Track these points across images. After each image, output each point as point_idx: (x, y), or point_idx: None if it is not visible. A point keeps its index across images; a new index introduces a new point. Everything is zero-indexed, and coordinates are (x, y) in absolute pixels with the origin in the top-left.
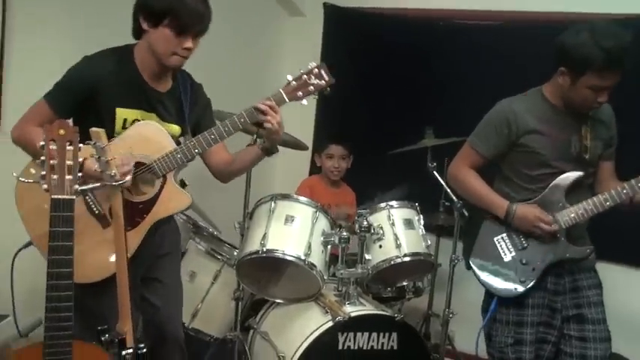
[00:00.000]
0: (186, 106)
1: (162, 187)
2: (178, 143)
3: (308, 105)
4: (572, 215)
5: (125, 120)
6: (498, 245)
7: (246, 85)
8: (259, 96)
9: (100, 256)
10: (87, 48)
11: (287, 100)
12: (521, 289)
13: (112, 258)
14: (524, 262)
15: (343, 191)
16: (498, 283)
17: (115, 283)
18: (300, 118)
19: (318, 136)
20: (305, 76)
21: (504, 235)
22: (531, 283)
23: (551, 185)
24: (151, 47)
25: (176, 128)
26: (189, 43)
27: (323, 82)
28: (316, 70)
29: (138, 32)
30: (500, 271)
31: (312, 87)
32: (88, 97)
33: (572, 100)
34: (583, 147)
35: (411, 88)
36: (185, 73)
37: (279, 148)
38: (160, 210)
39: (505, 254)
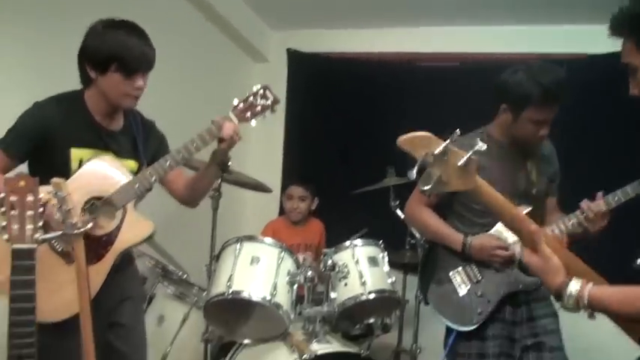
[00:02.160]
0: (140, 141)
1: (122, 218)
2: None
3: (276, 147)
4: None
5: (81, 160)
6: (454, 279)
7: None
8: None
9: (67, 293)
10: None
11: (236, 122)
12: (477, 320)
13: None
14: (479, 294)
15: (308, 227)
16: (455, 316)
17: (78, 326)
18: (268, 159)
19: (285, 178)
20: (251, 97)
21: (459, 269)
22: (487, 315)
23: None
24: (103, 93)
25: (132, 163)
26: (140, 82)
27: (268, 102)
28: (261, 90)
29: (87, 80)
30: (457, 304)
31: (259, 107)
32: (41, 141)
33: (515, 135)
34: (530, 182)
35: (373, 129)
36: (135, 111)
37: (247, 191)
38: (123, 240)
39: (460, 288)
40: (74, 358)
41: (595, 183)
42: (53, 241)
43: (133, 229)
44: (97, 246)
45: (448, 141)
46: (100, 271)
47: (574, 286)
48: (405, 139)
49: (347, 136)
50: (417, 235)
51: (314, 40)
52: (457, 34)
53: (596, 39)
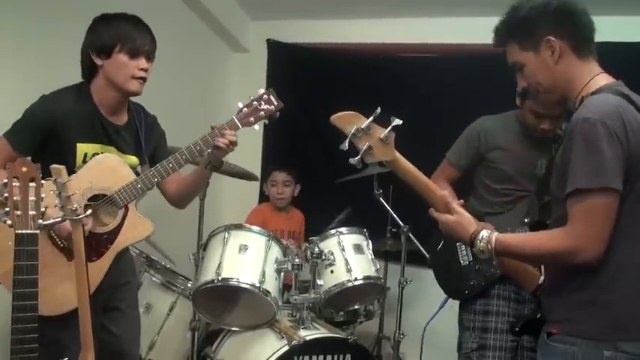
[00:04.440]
0: (143, 137)
1: (124, 216)
2: (137, 173)
3: (256, 137)
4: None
5: (85, 154)
6: (459, 250)
7: (191, 120)
8: (204, 131)
9: (67, 288)
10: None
11: (240, 126)
12: (469, 290)
13: None
14: (477, 268)
15: (291, 215)
16: (451, 284)
17: (77, 315)
18: (248, 150)
19: (265, 166)
20: (255, 102)
21: None
22: (479, 288)
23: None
24: (109, 79)
25: (134, 159)
26: (144, 64)
27: (272, 107)
28: (265, 95)
29: (90, 71)
30: (455, 272)
31: (262, 112)
32: (48, 134)
33: (523, 121)
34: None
35: None
36: (139, 106)
37: (228, 178)
38: (123, 239)
39: (463, 259)
40: (75, 346)
41: None
42: (56, 238)
43: (133, 228)
44: (97, 244)
45: (371, 118)
46: (99, 268)
47: (484, 232)
48: (335, 117)
49: (327, 126)
50: (400, 223)
51: (294, 31)
52: (436, 25)
53: None
